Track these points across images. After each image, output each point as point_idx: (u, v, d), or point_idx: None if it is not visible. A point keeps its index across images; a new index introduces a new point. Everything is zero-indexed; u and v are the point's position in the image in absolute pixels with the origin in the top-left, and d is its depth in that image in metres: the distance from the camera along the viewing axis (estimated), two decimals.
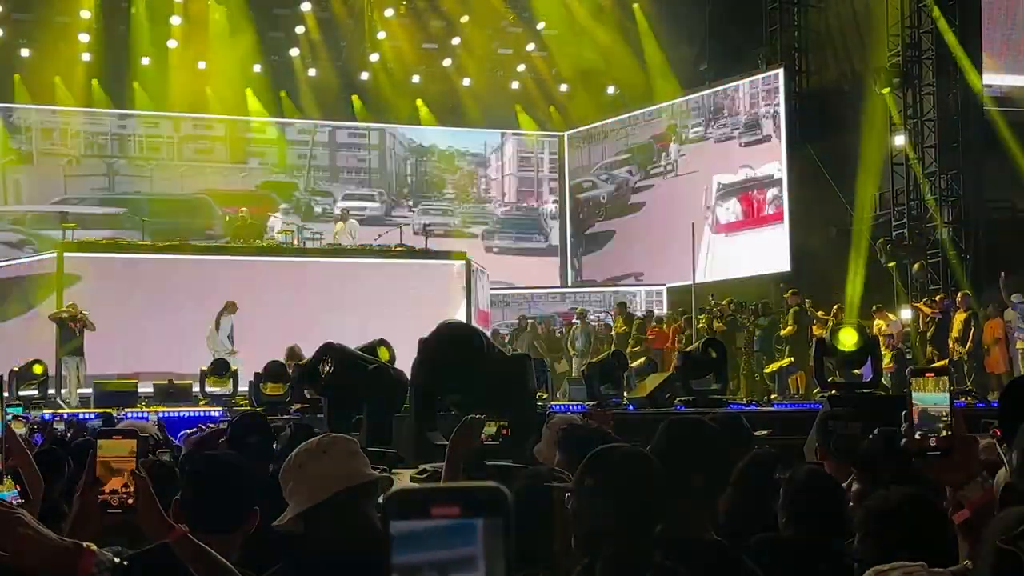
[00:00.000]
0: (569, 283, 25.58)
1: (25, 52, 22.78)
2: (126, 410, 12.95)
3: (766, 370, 17.91)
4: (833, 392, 8.98)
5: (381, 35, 24.44)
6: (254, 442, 5.22)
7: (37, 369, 15.02)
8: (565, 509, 2.67)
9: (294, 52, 24.22)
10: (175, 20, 23.10)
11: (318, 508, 2.83)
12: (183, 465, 4.27)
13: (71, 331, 16.06)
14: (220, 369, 15.62)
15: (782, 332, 18.24)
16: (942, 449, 2.29)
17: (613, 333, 20.53)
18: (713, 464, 2.97)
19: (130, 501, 2.34)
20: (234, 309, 17.14)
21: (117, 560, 2.05)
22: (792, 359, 17.57)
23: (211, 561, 2.42)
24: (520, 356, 9.93)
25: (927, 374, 2.35)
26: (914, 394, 2.31)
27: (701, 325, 18.83)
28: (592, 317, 21.62)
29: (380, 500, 1.98)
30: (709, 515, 2.95)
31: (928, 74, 19.09)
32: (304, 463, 2.92)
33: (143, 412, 13.16)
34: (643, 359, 18.64)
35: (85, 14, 22.52)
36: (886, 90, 19.32)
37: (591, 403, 13.54)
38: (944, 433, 2.29)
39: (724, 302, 19.31)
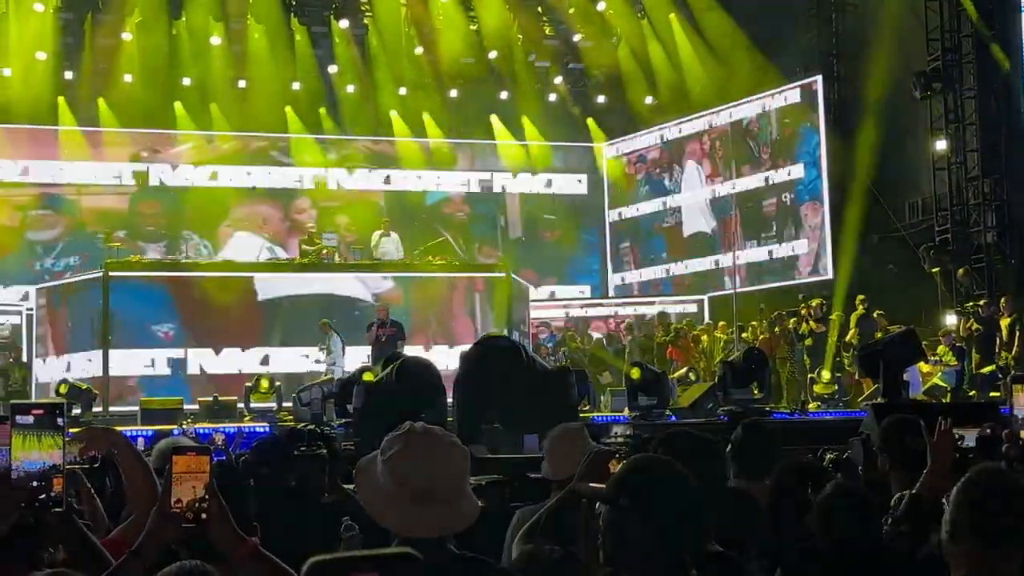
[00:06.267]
0: (611, 294, 25.50)
1: (68, 75, 23.09)
2: (192, 426, 12.99)
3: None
4: (878, 400, 8.91)
5: (418, 50, 24.54)
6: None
7: (62, 388, 15.09)
8: (592, 520, 2.66)
9: (332, 69, 24.37)
10: (215, 40, 23.33)
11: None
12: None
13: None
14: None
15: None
16: None
17: (654, 344, 20.47)
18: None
19: (204, 516, 2.41)
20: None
21: None
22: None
23: (283, 573, 2.45)
24: (561, 369, 9.91)
25: None
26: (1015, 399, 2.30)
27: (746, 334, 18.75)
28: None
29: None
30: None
31: (969, 78, 18.91)
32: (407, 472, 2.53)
33: (205, 429, 13.18)
34: (684, 369, 18.59)
35: (127, 36, 22.80)
36: (927, 94, 19.16)
37: (632, 414, 13.52)
38: None
39: (774, 312, 19.19)
